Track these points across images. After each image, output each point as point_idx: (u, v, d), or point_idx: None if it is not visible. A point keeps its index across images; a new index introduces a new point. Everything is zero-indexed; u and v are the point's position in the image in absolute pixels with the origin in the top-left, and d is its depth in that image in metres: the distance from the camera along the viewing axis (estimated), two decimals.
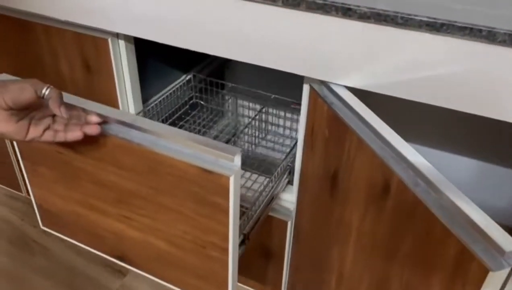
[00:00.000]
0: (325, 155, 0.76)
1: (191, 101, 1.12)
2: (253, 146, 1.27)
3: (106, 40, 0.89)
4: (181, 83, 1.10)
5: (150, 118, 1.01)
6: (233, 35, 0.73)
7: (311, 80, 0.74)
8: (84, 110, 0.63)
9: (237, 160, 0.56)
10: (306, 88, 0.77)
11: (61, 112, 0.58)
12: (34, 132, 0.59)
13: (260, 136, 1.27)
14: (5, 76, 0.68)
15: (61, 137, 0.60)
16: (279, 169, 0.88)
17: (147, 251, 0.73)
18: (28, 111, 0.58)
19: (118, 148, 0.63)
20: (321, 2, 0.63)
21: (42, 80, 1.03)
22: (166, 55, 1.08)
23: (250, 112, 1.39)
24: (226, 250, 0.63)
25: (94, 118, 0.62)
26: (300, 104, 0.89)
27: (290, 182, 0.93)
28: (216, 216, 0.60)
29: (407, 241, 0.59)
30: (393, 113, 0.74)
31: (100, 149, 0.65)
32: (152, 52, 1.01)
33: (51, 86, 0.58)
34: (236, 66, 1.37)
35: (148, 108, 1.01)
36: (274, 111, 1.29)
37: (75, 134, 0.60)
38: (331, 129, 0.72)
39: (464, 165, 1.02)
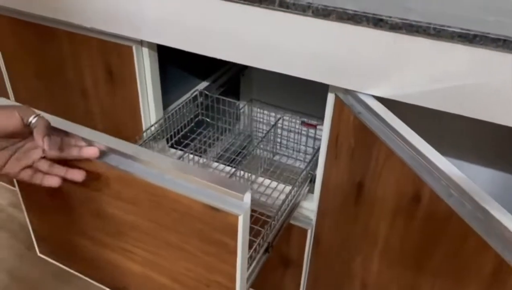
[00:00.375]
0: (350, 164, 0.76)
1: (196, 119, 1.09)
2: (271, 154, 1.27)
3: (130, 48, 0.90)
4: (187, 100, 1.07)
5: (165, 130, 1.00)
6: (260, 44, 0.73)
7: (336, 89, 0.75)
8: (84, 139, 0.59)
9: (247, 198, 0.53)
10: (331, 97, 0.77)
11: (44, 143, 0.52)
12: (12, 166, 0.54)
13: (278, 144, 1.27)
14: (3, 101, 0.63)
15: (37, 179, 0.55)
16: (300, 177, 0.88)
17: (149, 285, 0.70)
18: (15, 140, 0.54)
19: (119, 180, 0.60)
20: (352, 12, 0.63)
21: (65, 86, 1.05)
22: (185, 61, 1.08)
23: (266, 118, 1.39)
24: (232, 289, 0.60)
25: (91, 151, 0.57)
26: (309, 124, 0.88)
27: (311, 191, 0.93)
28: (222, 255, 0.57)
29: (438, 252, 0.59)
30: (416, 122, 0.74)
31: (100, 179, 0.61)
32: (172, 59, 1.02)
33: (40, 115, 0.54)
34: (251, 73, 1.38)
35: (164, 117, 1.02)
36: (291, 119, 1.29)
37: (51, 181, 0.55)
38: (358, 138, 0.72)
39: (490, 176, 1.02)
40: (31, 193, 0.74)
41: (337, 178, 0.81)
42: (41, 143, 0.52)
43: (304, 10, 0.66)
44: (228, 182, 0.54)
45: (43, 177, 0.56)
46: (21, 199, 0.77)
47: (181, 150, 1.02)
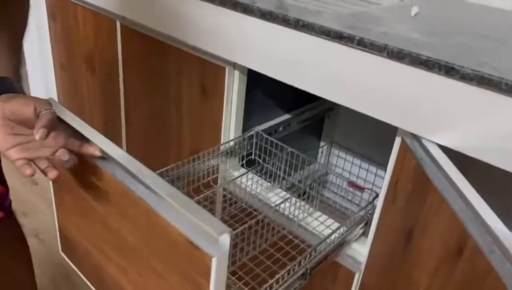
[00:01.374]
0: (405, 210, 0.75)
1: (248, 158, 1.08)
2: (337, 196, 1.28)
3: (224, 69, 1.00)
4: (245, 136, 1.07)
5: (238, 149, 1.05)
6: (336, 78, 0.78)
7: (403, 133, 0.75)
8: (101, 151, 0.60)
9: (224, 240, 0.49)
10: (397, 141, 0.78)
11: (37, 132, 0.53)
12: (14, 153, 0.56)
13: (344, 187, 1.28)
14: (52, 100, 0.65)
15: (22, 168, 0.56)
16: (354, 217, 0.88)
17: None
18: (30, 131, 0.56)
19: (123, 196, 0.60)
20: (425, 58, 0.65)
21: (164, 95, 1.19)
22: (271, 91, 1.16)
23: (341, 161, 1.40)
24: None
25: (91, 149, 0.60)
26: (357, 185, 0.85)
27: (365, 234, 0.92)
28: None
29: None
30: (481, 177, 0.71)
31: (109, 192, 0.62)
32: (260, 86, 1.10)
33: (52, 109, 0.56)
34: (337, 116, 1.41)
35: (241, 138, 1.08)
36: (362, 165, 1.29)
37: (25, 172, 0.56)
38: (415, 184, 0.72)
39: None
40: (61, 192, 0.75)
41: (391, 224, 0.80)
42: (35, 131, 0.53)
43: (380, 50, 0.70)
44: (210, 220, 0.51)
45: (27, 167, 0.57)
46: (53, 196, 0.79)
47: (249, 170, 1.08)
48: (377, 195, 0.91)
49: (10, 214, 0.92)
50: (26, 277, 1.05)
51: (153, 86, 1.21)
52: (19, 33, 0.70)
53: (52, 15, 1.47)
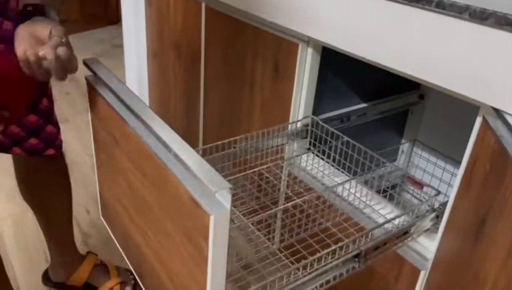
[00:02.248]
0: (480, 195, 0.66)
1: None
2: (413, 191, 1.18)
3: (297, 45, 0.98)
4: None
5: (305, 131, 1.01)
6: (412, 48, 0.71)
7: (485, 111, 0.67)
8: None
9: (222, 197, 0.45)
10: (478, 122, 0.69)
11: (42, 50, 0.61)
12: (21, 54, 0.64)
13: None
14: (93, 59, 0.72)
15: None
16: (421, 206, 0.80)
17: (153, 277, 0.65)
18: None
19: (142, 153, 0.58)
20: (511, 17, 0.57)
21: (239, 72, 1.20)
22: (347, 76, 1.10)
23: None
24: None
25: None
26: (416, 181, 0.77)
27: (436, 230, 0.83)
28: (198, 261, 0.50)
29: None
30: None
31: (130, 148, 0.61)
32: (334, 68, 1.05)
33: (62, 37, 0.63)
34: (422, 112, 1.31)
35: (308, 119, 1.05)
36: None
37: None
38: (493, 164, 0.63)
39: None
40: (98, 150, 0.74)
41: (463, 214, 0.71)
42: (41, 49, 0.62)
43: (460, 12, 0.63)
44: (211, 175, 0.46)
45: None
46: (95, 161, 0.79)
47: (311, 152, 1.03)
48: (438, 193, 0.83)
49: (60, 153, 1.00)
50: (66, 216, 1.13)
51: (230, 67, 1.23)
52: None
53: (148, 1, 1.57)
